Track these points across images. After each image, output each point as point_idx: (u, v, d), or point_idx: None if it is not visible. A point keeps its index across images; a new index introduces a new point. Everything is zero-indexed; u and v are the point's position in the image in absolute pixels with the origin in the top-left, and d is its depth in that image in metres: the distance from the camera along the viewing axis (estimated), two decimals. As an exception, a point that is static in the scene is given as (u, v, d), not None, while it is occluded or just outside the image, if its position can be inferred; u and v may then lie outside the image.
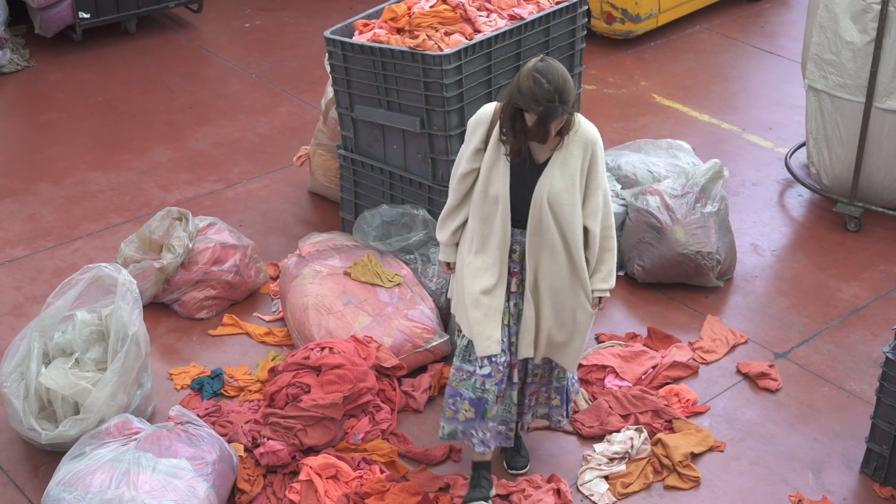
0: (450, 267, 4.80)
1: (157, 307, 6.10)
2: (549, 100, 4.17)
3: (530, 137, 4.31)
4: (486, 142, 4.47)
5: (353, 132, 6.10)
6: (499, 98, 4.54)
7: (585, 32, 6.39)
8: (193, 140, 7.86)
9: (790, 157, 7.44)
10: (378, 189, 6.13)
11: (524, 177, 4.44)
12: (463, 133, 5.71)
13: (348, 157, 6.18)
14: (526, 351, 4.65)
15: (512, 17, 5.95)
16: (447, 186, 5.78)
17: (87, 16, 8.88)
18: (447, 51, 5.57)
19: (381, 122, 5.90)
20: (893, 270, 6.51)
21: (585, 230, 4.50)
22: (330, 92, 6.48)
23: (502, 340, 4.56)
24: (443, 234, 4.73)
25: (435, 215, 5.88)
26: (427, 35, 5.73)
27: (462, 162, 4.56)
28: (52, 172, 7.46)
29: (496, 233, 4.49)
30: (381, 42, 5.76)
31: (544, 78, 4.17)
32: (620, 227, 6.31)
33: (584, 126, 4.45)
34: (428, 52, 5.56)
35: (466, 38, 5.76)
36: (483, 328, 4.52)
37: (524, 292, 4.57)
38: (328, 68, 6.11)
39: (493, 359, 4.57)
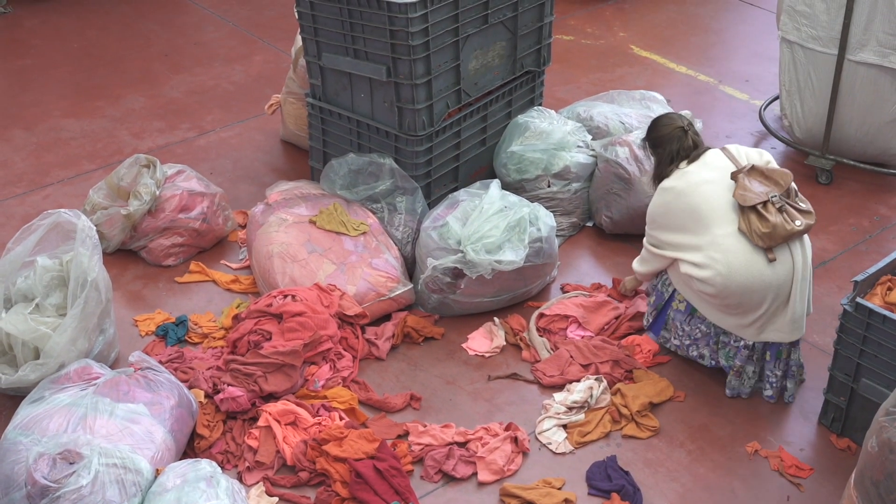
0: None
1: (124, 254, 6.11)
2: None
3: None
4: None
5: (321, 80, 6.08)
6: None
7: (556, -19, 6.38)
8: (168, 87, 7.84)
9: (764, 109, 7.43)
10: (346, 137, 6.12)
11: None
12: (429, 82, 5.71)
13: (316, 106, 6.17)
14: None
15: (480, -35, 5.91)
16: (413, 135, 5.83)
17: (64, -39, 8.83)
18: (413, -1, 5.53)
19: (348, 71, 5.88)
20: (862, 224, 6.52)
21: None
22: (299, 40, 6.45)
23: None
24: None
25: (401, 164, 5.89)
26: (394, -18, 5.69)
27: None
28: (25, 119, 7.45)
29: None
30: (347, -11, 5.72)
31: None
32: (589, 177, 6.31)
33: None
34: (393, 0, 5.52)
35: (434, -14, 5.72)
36: None
37: None
38: (297, 15, 6.08)
39: None
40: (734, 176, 4.90)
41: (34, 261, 5.17)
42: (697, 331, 5.20)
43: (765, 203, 4.81)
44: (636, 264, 5.45)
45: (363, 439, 4.82)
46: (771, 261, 4.84)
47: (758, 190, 4.84)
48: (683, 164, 5.08)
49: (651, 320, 5.45)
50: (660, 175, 5.18)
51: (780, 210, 4.82)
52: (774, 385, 5.15)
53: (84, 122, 7.40)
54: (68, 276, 5.08)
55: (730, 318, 5.03)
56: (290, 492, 4.70)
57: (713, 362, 5.23)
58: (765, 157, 5.04)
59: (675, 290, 5.22)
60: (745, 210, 4.84)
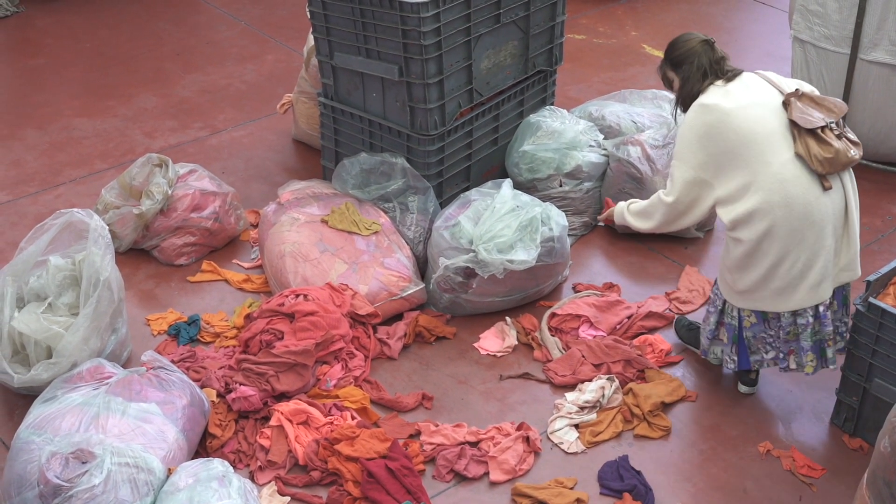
0: None
1: (136, 253, 6.12)
2: None
3: None
4: None
5: (333, 80, 6.09)
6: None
7: (568, -19, 6.37)
8: (180, 87, 7.86)
9: (777, 108, 7.39)
10: (358, 137, 6.13)
11: None
12: (441, 81, 5.71)
13: (328, 105, 6.18)
14: None
15: (492, -35, 5.91)
16: (425, 135, 5.83)
17: (76, -39, 8.86)
18: (425, -2, 5.53)
19: (360, 70, 5.88)
20: (875, 223, 6.50)
21: None
22: (311, 39, 6.46)
23: None
24: None
25: (413, 164, 5.89)
26: (406, -18, 5.69)
27: None
28: (38, 118, 7.47)
29: None
30: (359, -11, 5.72)
31: None
32: (601, 177, 6.31)
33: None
34: (406, 0, 5.53)
35: (445, -14, 5.72)
36: None
37: None
38: (309, 15, 6.09)
39: None
40: (787, 99, 4.57)
41: (47, 260, 5.19)
42: (779, 330, 4.87)
43: (823, 128, 4.53)
44: (635, 220, 5.08)
45: (375, 439, 4.82)
46: (827, 189, 4.56)
47: (815, 115, 4.55)
48: (719, 82, 4.70)
49: (735, 359, 5.05)
50: (690, 94, 4.75)
51: (839, 137, 4.56)
52: (845, 335, 4.91)
53: (96, 122, 7.42)
54: (81, 275, 5.10)
55: (799, 290, 4.68)
56: (302, 491, 4.71)
57: (785, 363, 4.95)
58: (806, 86, 4.71)
59: (739, 310, 4.87)
60: (802, 134, 4.52)
